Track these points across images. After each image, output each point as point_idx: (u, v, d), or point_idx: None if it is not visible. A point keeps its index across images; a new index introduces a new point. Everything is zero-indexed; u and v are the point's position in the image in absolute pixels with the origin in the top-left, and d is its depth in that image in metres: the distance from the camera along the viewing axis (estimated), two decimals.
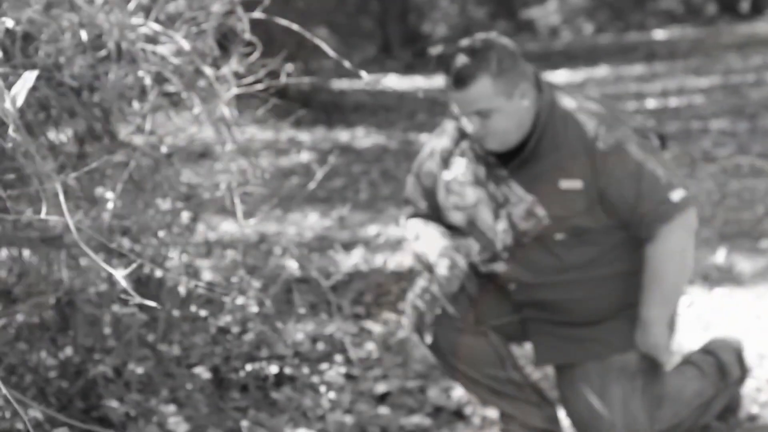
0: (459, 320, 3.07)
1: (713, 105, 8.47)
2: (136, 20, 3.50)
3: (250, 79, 3.69)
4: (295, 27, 3.52)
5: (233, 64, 3.69)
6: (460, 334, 3.07)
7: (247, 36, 3.71)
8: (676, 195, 2.87)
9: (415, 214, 3.16)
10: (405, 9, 13.72)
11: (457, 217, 3.04)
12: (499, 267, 3.01)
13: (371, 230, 5.60)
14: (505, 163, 2.95)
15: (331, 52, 3.33)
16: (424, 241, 3.05)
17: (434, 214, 3.12)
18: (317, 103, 9.29)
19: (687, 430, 3.15)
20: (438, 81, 3.29)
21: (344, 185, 6.80)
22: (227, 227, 4.98)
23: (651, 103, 8.80)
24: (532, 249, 2.94)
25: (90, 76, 3.52)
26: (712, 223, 5.29)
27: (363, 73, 3.30)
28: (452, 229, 3.09)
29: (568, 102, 2.94)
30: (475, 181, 2.99)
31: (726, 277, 4.59)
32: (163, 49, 3.54)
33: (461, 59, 2.84)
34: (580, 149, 2.86)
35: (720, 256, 4.79)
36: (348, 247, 5.28)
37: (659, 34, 14.33)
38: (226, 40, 3.77)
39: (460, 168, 3.02)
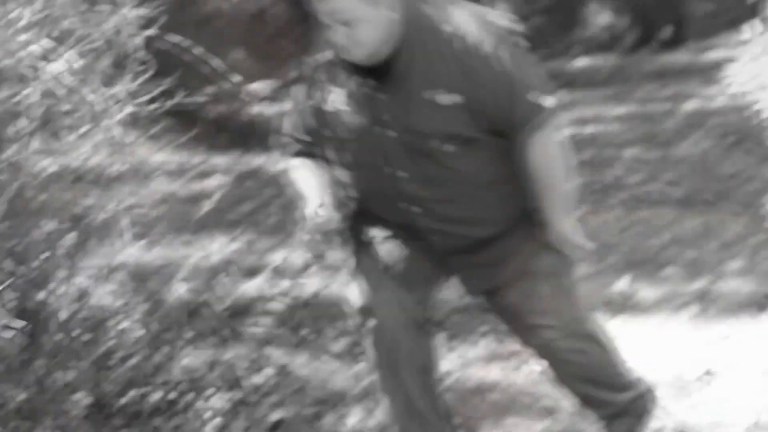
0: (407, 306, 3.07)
1: (627, 133, 8.53)
2: (25, 37, 3.43)
3: (145, 99, 3.64)
4: (187, 46, 3.47)
5: (126, 84, 3.63)
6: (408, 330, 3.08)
7: (143, 56, 3.65)
8: (548, 100, 2.90)
9: (296, 149, 3.13)
10: None
11: (340, 147, 3.01)
12: (401, 188, 2.98)
13: (279, 255, 5.54)
14: (381, 83, 2.91)
15: (218, 69, 3.29)
16: (298, 183, 3.06)
17: (314, 145, 3.09)
18: (234, 127, 9.20)
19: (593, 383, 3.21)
20: None
21: (254, 209, 6.72)
22: (130, 251, 4.89)
23: (567, 131, 8.83)
24: (425, 165, 2.93)
25: None
26: (618, 251, 5.31)
27: (249, 90, 3.24)
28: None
29: (437, 14, 2.92)
30: (353, 109, 2.96)
31: (628, 304, 4.60)
32: (54, 67, 3.47)
33: None
34: (453, 62, 2.86)
35: (623, 283, 4.80)
36: (254, 271, 5.21)
37: (581, 62, 14.45)
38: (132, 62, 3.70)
39: (338, 97, 2.98)
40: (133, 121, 3.70)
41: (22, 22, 3.38)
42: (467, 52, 2.86)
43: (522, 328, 3.17)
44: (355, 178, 3.04)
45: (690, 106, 9.28)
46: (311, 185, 3.07)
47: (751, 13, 3.66)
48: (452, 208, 3.00)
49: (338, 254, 5.08)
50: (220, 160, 8.22)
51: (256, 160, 8.36)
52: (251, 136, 9.30)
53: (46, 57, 3.47)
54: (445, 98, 2.86)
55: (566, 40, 16.09)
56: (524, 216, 3.05)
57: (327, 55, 3.00)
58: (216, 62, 3.54)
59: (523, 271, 3.09)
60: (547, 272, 3.10)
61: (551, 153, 2.95)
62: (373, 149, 2.96)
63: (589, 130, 8.92)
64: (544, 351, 3.17)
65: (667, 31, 14.99)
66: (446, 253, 3.08)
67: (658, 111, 9.44)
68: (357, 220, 3.10)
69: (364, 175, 3.02)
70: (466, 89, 2.85)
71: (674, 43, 14.68)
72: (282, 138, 3.16)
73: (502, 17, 2.96)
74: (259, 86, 7.38)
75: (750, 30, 3.44)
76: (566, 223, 3.03)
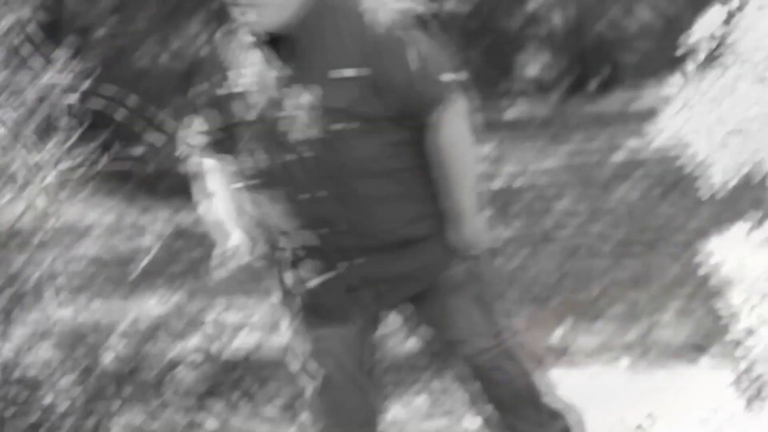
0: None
1: (557, 185, 8.59)
2: None
3: (76, 159, 3.61)
4: (119, 101, 3.47)
5: (57, 144, 3.60)
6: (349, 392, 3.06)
7: (74, 116, 3.63)
8: (448, 76, 2.90)
9: (205, 146, 3.09)
10: None
11: (246, 131, 2.97)
12: (303, 172, 2.93)
13: (209, 316, 5.48)
14: (287, 59, 2.90)
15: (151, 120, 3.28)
16: (216, 213, 3.03)
17: (222, 134, 3.04)
18: (165, 186, 9.13)
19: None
20: None
21: (188, 268, 6.65)
22: (60, 315, 4.81)
23: (497, 184, 8.88)
24: (325, 146, 2.89)
25: None
26: (553, 302, 5.33)
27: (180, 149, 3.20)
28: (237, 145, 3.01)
29: None
30: (259, 87, 2.94)
31: (565, 355, 4.60)
32: None
33: None
34: (353, 37, 2.86)
35: (556, 336, 4.81)
36: (184, 334, 5.15)
37: (513, 111, 14.57)
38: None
39: (245, 78, 2.96)
40: (65, 181, 3.66)
41: None
42: (377, 30, 2.87)
43: (442, 345, 3.12)
44: (262, 171, 2.97)
45: (620, 156, 9.38)
46: (225, 211, 3.03)
47: (675, 65, 3.71)
48: (354, 199, 2.92)
49: (270, 311, 5.05)
50: (153, 218, 8.16)
51: (190, 217, 8.31)
52: (184, 193, 9.22)
53: None
54: (350, 73, 2.85)
55: (499, 88, 16.22)
56: (434, 225, 2.99)
57: (237, 34, 3.00)
58: (147, 115, 3.51)
59: (437, 285, 3.02)
60: (461, 284, 3.04)
61: (460, 132, 2.92)
62: (277, 131, 2.92)
63: (521, 181, 8.97)
64: (467, 370, 3.10)
65: (597, 80, 15.17)
66: (357, 259, 2.97)
67: (589, 161, 9.53)
68: (279, 260, 3.05)
69: (270, 164, 2.95)
70: (374, 65, 2.85)
71: (604, 91, 14.85)
72: (190, 134, 3.12)
73: (412, 2, 2.98)
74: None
75: (673, 84, 3.49)
76: (470, 214, 2.97)
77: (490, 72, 15.34)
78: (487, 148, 11.12)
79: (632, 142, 9.38)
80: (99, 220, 7.58)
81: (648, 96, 11.93)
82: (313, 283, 3.00)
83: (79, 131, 3.53)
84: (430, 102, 2.88)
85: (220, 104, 3.01)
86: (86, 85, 3.53)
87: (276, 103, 2.91)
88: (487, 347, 3.07)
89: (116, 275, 6.04)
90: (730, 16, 3.23)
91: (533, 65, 16.20)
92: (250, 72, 2.95)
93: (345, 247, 2.96)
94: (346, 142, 2.88)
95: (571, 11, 14.93)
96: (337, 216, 2.93)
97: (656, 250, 6.17)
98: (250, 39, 2.95)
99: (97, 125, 3.87)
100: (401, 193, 2.96)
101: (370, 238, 2.96)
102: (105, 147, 3.93)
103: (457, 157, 2.92)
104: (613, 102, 13.64)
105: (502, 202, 7.83)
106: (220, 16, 3.33)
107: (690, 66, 3.52)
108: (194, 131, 3.09)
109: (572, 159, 9.83)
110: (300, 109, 2.88)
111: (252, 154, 2.97)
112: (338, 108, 2.86)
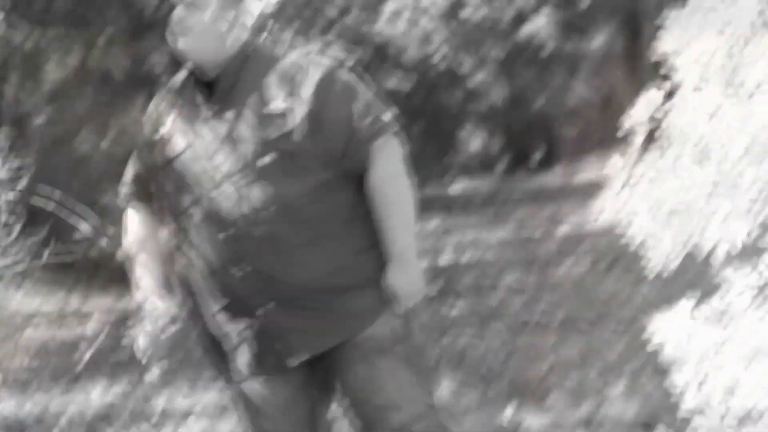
0: None
1: (504, 259, 8.62)
2: None
3: (17, 254, 3.58)
4: (57, 202, 3.45)
5: None
6: None
7: (14, 210, 3.61)
8: (387, 115, 2.96)
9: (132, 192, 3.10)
10: None
11: (170, 174, 2.97)
12: (223, 211, 2.91)
13: (159, 402, 5.41)
14: (216, 100, 2.95)
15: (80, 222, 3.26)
16: (141, 286, 3.03)
17: (152, 176, 3.04)
18: (107, 271, 9.06)
19: None
20: None
21: (131, 355, 6.58)
22: (2, 408, 4.74)
23: (445, 259, 8.91)
24: (243, 181, 2.88)
25: None
26: (502, 379, 5.31)
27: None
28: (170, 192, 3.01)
29: (279, 48, 3.03)
30: (182, 129, 2.96)
31: None
32: None
33: None
34: (287, 78, 2.92)
35: (507, 415, 4.79)
36: (134, 420, 5.08)
37: (457, 186, 14.66)
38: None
39: (169, 122, 2.98)
40: (7, 274, 3.63)
41: None
42: (304, 71, 2.93)
43: (371, 414, 2.96)
44: (190, 209, 2.95)
45: (565, 228, 9.44)
46: (148, 276, 3.03)
47: (616, 144, 3.76)
48: (276, 241, 2.88)
49: (218, 396, 5.00)
50: (97, 303, 8.08)
51: (134, 301, 8.23)
52: (125, 280, 9.15)
53: None
54: (270, 106, 2.90)
55: (442, 164, 16.33)
56: (360, 278, 2.95)
57: (174, 82, 3.04)
58: (88, 219, 3.50)
59: (364, 346, 2.93)
60: (389, 345, 2.94)
61: (395, 169, 2.94)
62: (206, 168, 2.92)
63: (468, 255, 9.00)
64: None
65: (538, 155, 15.33)
66: (278, 303, 2.91)
67: (534, 234, 9.59)
68: (200, 316, 3.01)
69: (198, 201, 2.93)
70: (317, 102, 2.89)
71: (545, 166, 15.01)
72: (123, 184, 3.12)
73: (338, 51, 3.07)
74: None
75: (614, 163, 3.54)
76: (410, 256, 2.94)
77: (433, 148, 15.45)
78: (433, 224, 11.17)
79: (575, 218, 9.46)
80: (42, 308, 7.50)
81: (589, 171, 12.07)
82: (237, 329, 2.96)
83: (20, 226, 3.51)
84: (370, 138, 2.92)
85: (150, 148, 3.02)
86: (25, 180, 3.51)
87: (206, 139, 2.93)
88: (423, 414, 2.96)
89: (61, 364, 5.97)
90: (667, 97, 3.29)
91: (475, 141, 16.34)
92: (180, 111, 2.99)
93: (267, 289, 2.91)
94: (274, 180, 2.88)
95: (511, 87, 15.11)
96: (259, 256, 2.90)
97: (603, 323, 6.19)
98: (183, 76, 3.00)
99: (37, 218, 3.86)
100: (326, 242, 2.92)
101: (291, 283, 2.90)
102: (47, 238, 3.91)
103: (393, 196, 2.94)
104: (555, 177, 13.78)
105: (448, 278, 7.84)
106: None
107: (630, 146, 3.57)
108: (126, 180, 3.11)
109: (519, 232, 9.89)
110: (230, 142, 2.90)
111: (182, 191, 2.97)
112: (270, 141, 2.88)
